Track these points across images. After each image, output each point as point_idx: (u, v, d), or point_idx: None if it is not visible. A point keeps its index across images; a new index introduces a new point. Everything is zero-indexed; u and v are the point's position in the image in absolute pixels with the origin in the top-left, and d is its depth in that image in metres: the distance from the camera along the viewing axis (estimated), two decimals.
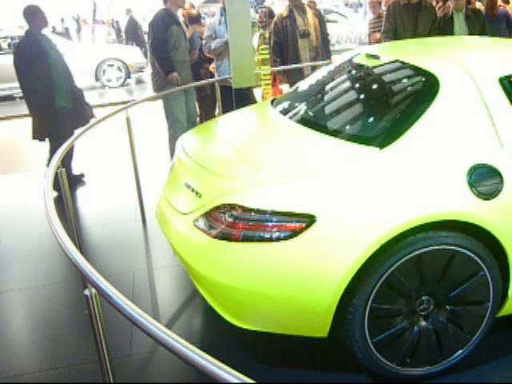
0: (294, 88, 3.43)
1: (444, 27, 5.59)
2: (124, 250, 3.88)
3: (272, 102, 3.32)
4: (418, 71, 2.55)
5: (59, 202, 3.10)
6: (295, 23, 5.45)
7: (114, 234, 4.20)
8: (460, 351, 2.35)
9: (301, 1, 5.65)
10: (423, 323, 2.28)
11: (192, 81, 5.38)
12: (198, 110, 6.01)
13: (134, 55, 12.33)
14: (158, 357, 2.65)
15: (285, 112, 2.95)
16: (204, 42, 5.70)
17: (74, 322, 3.02)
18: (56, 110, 4.88)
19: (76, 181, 5.35)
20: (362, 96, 2.80)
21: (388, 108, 2.54)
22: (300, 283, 2.10)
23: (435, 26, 5.56)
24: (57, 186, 3.51)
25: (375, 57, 2.91)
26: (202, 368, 1.19)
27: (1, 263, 3.84)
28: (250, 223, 2.14)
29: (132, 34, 15.25)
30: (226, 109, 4.89)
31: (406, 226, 2.07)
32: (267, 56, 5.35)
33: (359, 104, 2.74)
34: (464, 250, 2.18)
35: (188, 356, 1.24)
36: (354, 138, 2.38)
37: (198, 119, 6.04)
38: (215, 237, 2.22)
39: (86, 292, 1.70)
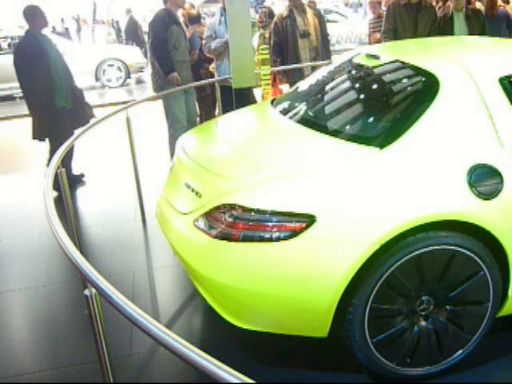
0: (294, 88, 3.43)
1: (444, 27, 5.59)
2: (124, 250, 3.88)
3: (272, 102, 3.32)
4: (418, 71, 2.55)
5: (59, 202, 3.10)
6: (295, 23, 5.45)
7: (113, 234, 4.20)
8: (460, 351, 2.35)
9: (301, 1, 5.65)
10: (423, 323, 2.28)
11: (192, 81, 5.38)
12: (198, 110, 6.01)
13: (134, 55, 12.33)
14: (157, 357, 2.65)
15: (285, 112, 2.95)
16: (204, 41, 5.70)
17: (74, 322, 3.02)
18: (56, 110, 4.88)
19: (76, 181, 5.35)
20: (361, 96, 2.80)
21: (388, 108, 2.54)
22: (300, 283, 2.10)
23: (435, 26, 5.56)
24: (57, 186, 3.51)
25: (375, 57, 2.91)
26: (202, 368, 1.19)
27: (1, 263, 3.84)
28: (250, 223, 2.14)
29: (132, 33, 15.25)
30: (226, 109, 4.89)
31: (406, 226, 2.07)
32: (267, 56, 5.35)
33: (359, 104, 2.74)
34: (464, 250, 2.18)
35: (188, 356, 1.24)
36: (354, 138, 2.38)
37: (198, 119, 6.04)
38: (215, 237, 2.22)
39: (86, 292, 1.70)
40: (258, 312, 2.25)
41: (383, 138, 2.30)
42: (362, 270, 2.08)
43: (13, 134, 8.55)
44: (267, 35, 6.05)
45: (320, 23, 5.61)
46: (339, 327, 2.22)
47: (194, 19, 6.50)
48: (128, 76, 12.04)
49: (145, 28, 14.43)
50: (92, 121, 4.14)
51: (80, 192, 5.24)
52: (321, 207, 2.09)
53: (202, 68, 6.17)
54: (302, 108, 2.91)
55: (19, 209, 4.90)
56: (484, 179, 2.18)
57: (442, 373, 2.36)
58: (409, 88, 2.57)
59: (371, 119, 2.54)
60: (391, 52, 3.04)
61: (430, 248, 2.14)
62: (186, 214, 2.48)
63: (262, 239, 2.11)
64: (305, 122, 2.72)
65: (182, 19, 5.88)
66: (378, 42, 6.28)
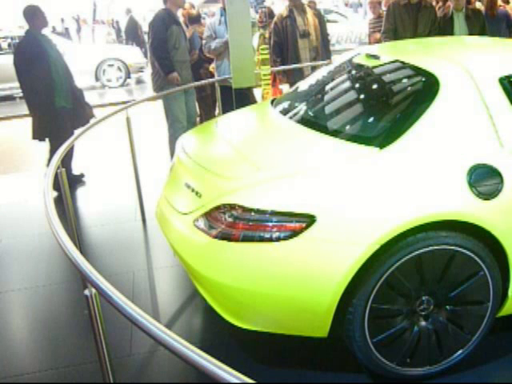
0: (294, 88, 3.43)
1: (444, 27, 5.59)
2: (124, 250, 3.88)
3: (272, 102, 3.32)
4: (418, 71, 2.55)
5: (59, 202, 3.10)
6: (295, 23, 5.45)
7: (113, 234, 4.20)
8: (460, 351, 2.35)
9: (301, 1, 5.65)
10: (423, 323, 2.28)
11: (192, 81, 5.38)
12: (198, 109, 6.01)
13: (134, 55, 12.33)
14: (157, 357, 2.65)
15: (285, 112, 2.95)
16: (204, 42, 5.70)
17: (74, 322, 3.02)
18: (56, 110, 4.88)
19: (76, 181, 5.35)
20: (361, 96, 2.80)
21: (388, 108, 2.54)
22: (300, 283, 2.10)
23: (435, 26, 5.56)
24: (57, 186, 3.51)
25: (375, 57, 2.91)
26: (202, 368, 1.19)
27: (1, 263, 3.84)
28: (250, 223, 2.14)
29: (132, 33, 15.25)
30: (226, 109, 4.89)
31: (406, 226, 2.07)
32: (267, 56, 5.35)
33: (359, 104, 2.74)
34: (464, 250, 2.18)
35: (188, 356, 1.24)
36: (354, 138, 2.38)
37: (198, 119, 6.04)
38: (215, 237, 2.22)
39: (86, 292, 1.70)
40: (257, 312, 2.25)
41: (383, 138, 2.30)
42: (362, 270, 2.08)
43: (13, 133, 8.55)
44: (267, 35, 6.05)
45: (320, 23, 5.61)
46: (339, 327, 2.22)
47: (194, 19, 6.50)
48: (128, 76, 12.04)
49: (145, 28, 14.43)
50: (92, 121, 4.14)
51: (80, 192, 5.24)
52: (321, 207, 2.09)
53: (202, 68, 6.17)
54: (301, 108, 2.91)
55: (19, 209, 4.90)
56: (484, 179, 2.18)
57: (441, 373, 2.36)
58: (409, 88, 2.57)
59: (371, 119, 2.54)
60: (391, 52, 3.04)
61: (430, 248, 2.14)
62: (185, 213, 2.48)
63: (262, 239, 2.11)
64: (305, 121, 2.72)
65: (182, 19, 5.88)
66: (378, 42, 6.28)
